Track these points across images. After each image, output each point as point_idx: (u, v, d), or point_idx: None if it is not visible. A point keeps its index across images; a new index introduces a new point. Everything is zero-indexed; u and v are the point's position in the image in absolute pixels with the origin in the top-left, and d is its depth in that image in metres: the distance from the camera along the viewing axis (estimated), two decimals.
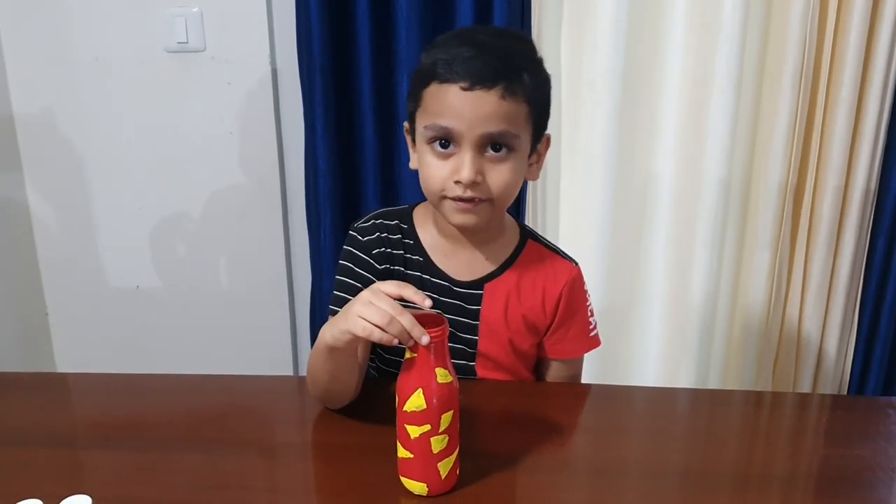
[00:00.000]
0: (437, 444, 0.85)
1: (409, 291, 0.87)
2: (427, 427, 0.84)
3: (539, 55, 1.08)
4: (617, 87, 1.82)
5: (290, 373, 2.13)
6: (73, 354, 2.17)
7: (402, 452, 0.87)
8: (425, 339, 0.82)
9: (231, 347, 2.11)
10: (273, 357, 2.12)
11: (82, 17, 1.88)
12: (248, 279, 2.06)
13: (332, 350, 0.93)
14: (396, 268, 1.14)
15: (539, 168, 1.13)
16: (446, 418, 0.84)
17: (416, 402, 0.83)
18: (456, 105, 1.00)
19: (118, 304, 2.10)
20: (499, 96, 0.99)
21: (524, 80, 1.01)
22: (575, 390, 1.24)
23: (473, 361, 1.17)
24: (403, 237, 1.15)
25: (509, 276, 1.16)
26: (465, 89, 0.99)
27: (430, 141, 1.04)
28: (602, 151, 1.86)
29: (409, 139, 1.13)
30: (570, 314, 1.19)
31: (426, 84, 1.03)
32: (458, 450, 0.88)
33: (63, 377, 1.53)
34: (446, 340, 0.85)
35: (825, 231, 1.86)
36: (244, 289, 2.07)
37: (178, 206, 2.02)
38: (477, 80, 0.98)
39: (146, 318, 2.11)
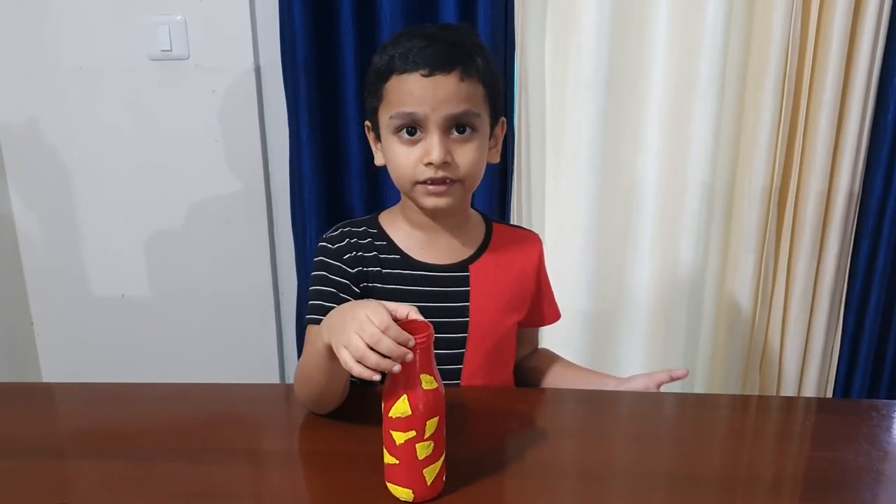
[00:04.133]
0: (423, 450, 0.85)
1: (401, 312, 0.87)
2: (412, 433, 0.84)
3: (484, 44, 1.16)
4: (601, 92, 1.83)
5: (277, 380, 2.12)
6: (58, 364, 2.15)
7: (388, 458, 0.87)
8: (409, 357, 0.82)
9: (217, 355, 2.10)
10: (259, 365, 2.11)
11: (66, 25, 1.88)
12: (234, 287, 2.06)
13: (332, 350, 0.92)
14: (371, 269, 1.14)
15: (498, 151, 1.18)
16: (431, 424, 0.84)
17: (400, 408, 0.83)
18: (418, 92, 1.05)
19: (104, 312, 2.09)
20: (457, 79, 1.05)
21: (478, 63, 1.08)
22: (561, 395, 1.24)
23: (463, 348, 1.17)
24: (374, 240, 1.17)
25: (489, 257, 1.20)
26: (425, 76, 1.05)
27: (397, 130, 1.08)
28: (587, 156, 1.87)
29: (371, 137, 1.18)
30: (545, 282, 1.29)
31: (386, 79, 1.08)
32: (444, 456, 0.88)
33: (49, 387, 1.52)
34: (432, 346, 0.85)
35: (809, 234, 1.88)
36: (230, 297, 2.07)
37: (164, 215, 2.01)
38: (435, 65, 1.04)
39: (132, 326, 2.10)
